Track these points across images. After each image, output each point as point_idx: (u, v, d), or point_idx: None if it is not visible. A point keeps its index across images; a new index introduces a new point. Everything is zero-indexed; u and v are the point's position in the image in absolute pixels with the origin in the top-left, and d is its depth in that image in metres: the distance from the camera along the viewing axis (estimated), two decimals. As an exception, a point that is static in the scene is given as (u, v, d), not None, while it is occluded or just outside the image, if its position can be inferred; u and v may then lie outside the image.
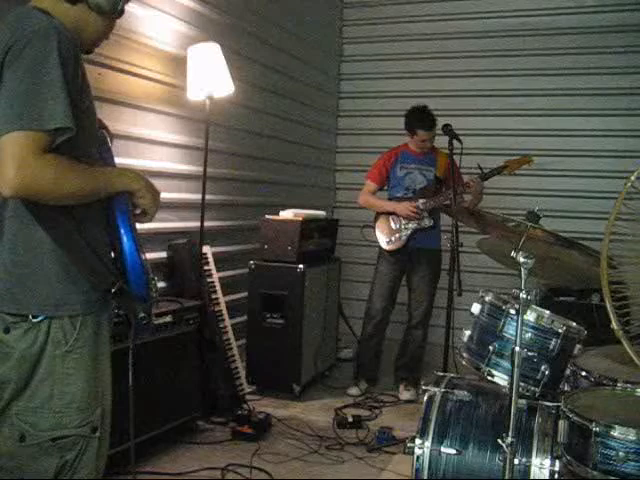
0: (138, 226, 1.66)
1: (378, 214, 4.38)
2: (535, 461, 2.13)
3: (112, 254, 1.61)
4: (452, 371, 2.84)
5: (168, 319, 3.21)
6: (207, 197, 3.78)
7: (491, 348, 2.30)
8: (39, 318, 1.51)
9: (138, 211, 1.66)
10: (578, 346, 2.33)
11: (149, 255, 3.67)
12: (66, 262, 1.51)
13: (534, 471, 2.12)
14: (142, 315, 1.58)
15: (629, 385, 2.21)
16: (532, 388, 2.26)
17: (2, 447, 1.56)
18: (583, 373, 2.40)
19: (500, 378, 2.29)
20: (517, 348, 1.96)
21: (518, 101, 5.58)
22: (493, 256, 2.65)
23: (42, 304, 1.51)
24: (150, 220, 1.69)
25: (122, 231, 1.53)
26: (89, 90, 1.58)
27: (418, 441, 2.24)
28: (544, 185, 5.40)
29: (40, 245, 1.51)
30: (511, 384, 1.95)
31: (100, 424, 1.61)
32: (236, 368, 3.91)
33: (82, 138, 1.51)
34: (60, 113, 1.39)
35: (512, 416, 1.93)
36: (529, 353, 2.04)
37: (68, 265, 1.52)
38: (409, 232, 4.26)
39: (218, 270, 3.98)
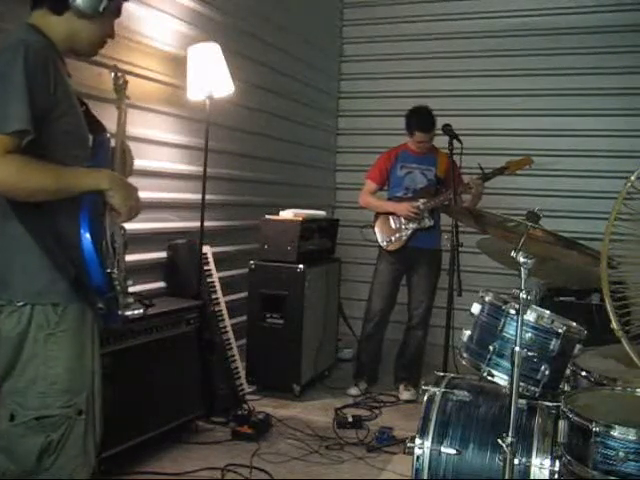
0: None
1: (378, 214, 4.38)
2: (535, 461, 2.12)
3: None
4: (452, 371, 2.84)
5: (168, 319, 3.22)
6: (207, 197, 3.78)
7: (491, 348, 2.29)
8: (22, 303, 1.63)
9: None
10: (578, 346, 2.33)
11: (149, 255, 3.69)
12: (42, 255, 1.64)
13: (534, 471, 2.12)
14: (100, 306, 1.72)
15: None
16: (532, 388, 2.26)
17: None
18: (583, 373, 2.39)
19: (500, 378, 2.29)
20: (517, 348, 1.96)
21: (518, 101, 5.58)
22: (493, 256, 2.65)
23: (25, 292, 1.64)
24: (126, 219, 1.78)
25: (81, 226, 1.63)
26: (69, 95, 1.68)
27: (418, 441, 2.24)
28: (544, 185, 5.40)
29: (19, 238, 1.63)
30: (511, 384, 1.96)
31: (86, 408, 1.70)
32: (236, 368, 3.91)
33: (62, 140, 1.65)
34: (19, 117, 1.52)
35: (512, 416, 1.93)
36: (529, 353, 2.03)
37: (44, 258, 1.64)
38: (409, 232, 4.26)
39: (218, 270, 3.98)
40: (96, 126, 1.82)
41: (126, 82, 1.96)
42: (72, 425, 1.67)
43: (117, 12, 1.80)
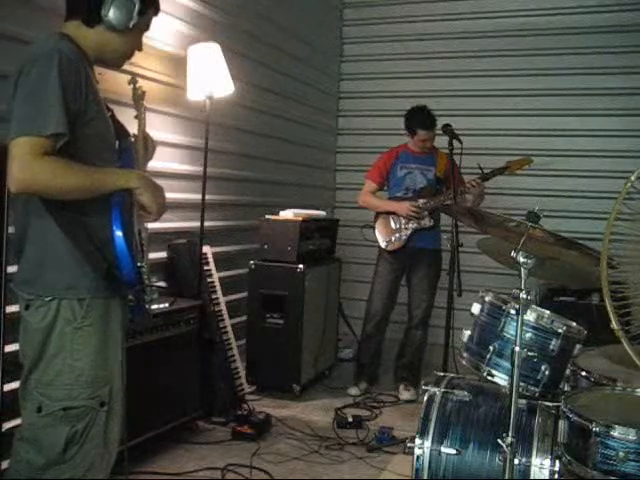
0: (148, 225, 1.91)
1: (378, 214, 4.38)
2: (535, 461, 2.13)
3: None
4: (452, 371, 2.84)
5: (168, 319, 3.21)
6: (207, 197, 3.78)
7: (491, 348, 2.30)
8: (49, 297, 1.72)
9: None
10: (578, 346, 2.33)
11: (149, 255, 3.68)
12: (73, 251, 1.72)
13: (534, 471, 2.12)
14: (130, 297, 1.83)
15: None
16: (532, 388, 2.26)
17: (24, 419, 1.78)
18: (583, 373, 2.40)
19: (500, 378, 2.29)
20: (517, 348, 1.96)
21: (518, 101, 5.58)
22: (493, 256, 2.65)
23: (53, 287, 1.72)
24: (156, 216, 1.88)
25: (113, 224, 1.73)
26: (98, 101, 1.78)
27: (418, 441, 2.24)
28: (544, 185, 5.40)
29: (53, 236, 1.72)
30: (511, 384, 1.96)
31: (109, 401, 1.79)
32: (236, 368, 3.92)
33: (92, 143, 1.75)
34: (55, 121, 1.61)
35: (512, 416, 1.93)
36: (529, 353, 2.03)
37: (75, 254, 1.72)
38: (409, 232, 4.26)
39: (218, 270, 3.98)
40: (121, 131, 1.91)
41: (144, 92, 2.05)
42: (95, 416, 1.76)
43: (146, 27, 1.89)
